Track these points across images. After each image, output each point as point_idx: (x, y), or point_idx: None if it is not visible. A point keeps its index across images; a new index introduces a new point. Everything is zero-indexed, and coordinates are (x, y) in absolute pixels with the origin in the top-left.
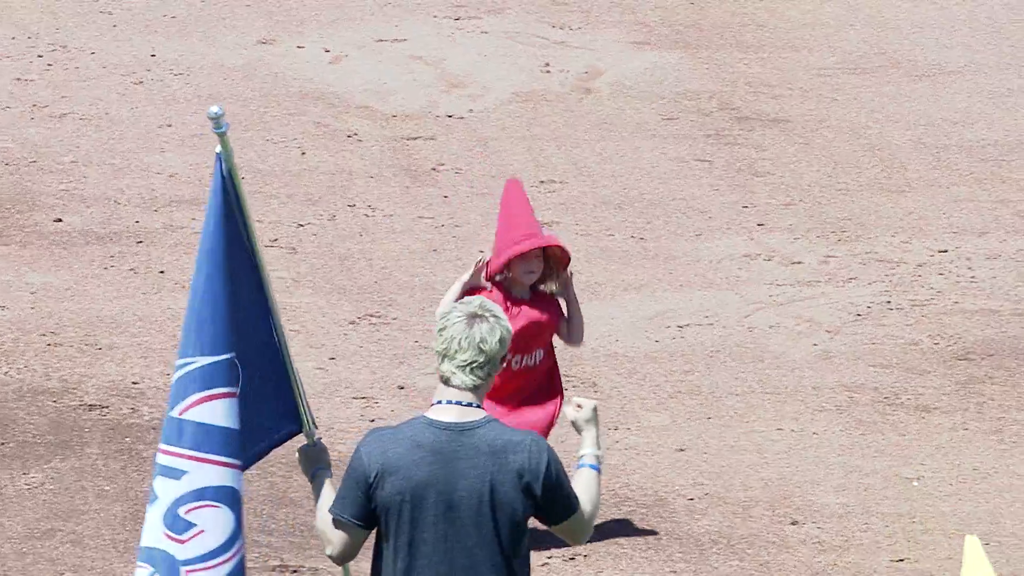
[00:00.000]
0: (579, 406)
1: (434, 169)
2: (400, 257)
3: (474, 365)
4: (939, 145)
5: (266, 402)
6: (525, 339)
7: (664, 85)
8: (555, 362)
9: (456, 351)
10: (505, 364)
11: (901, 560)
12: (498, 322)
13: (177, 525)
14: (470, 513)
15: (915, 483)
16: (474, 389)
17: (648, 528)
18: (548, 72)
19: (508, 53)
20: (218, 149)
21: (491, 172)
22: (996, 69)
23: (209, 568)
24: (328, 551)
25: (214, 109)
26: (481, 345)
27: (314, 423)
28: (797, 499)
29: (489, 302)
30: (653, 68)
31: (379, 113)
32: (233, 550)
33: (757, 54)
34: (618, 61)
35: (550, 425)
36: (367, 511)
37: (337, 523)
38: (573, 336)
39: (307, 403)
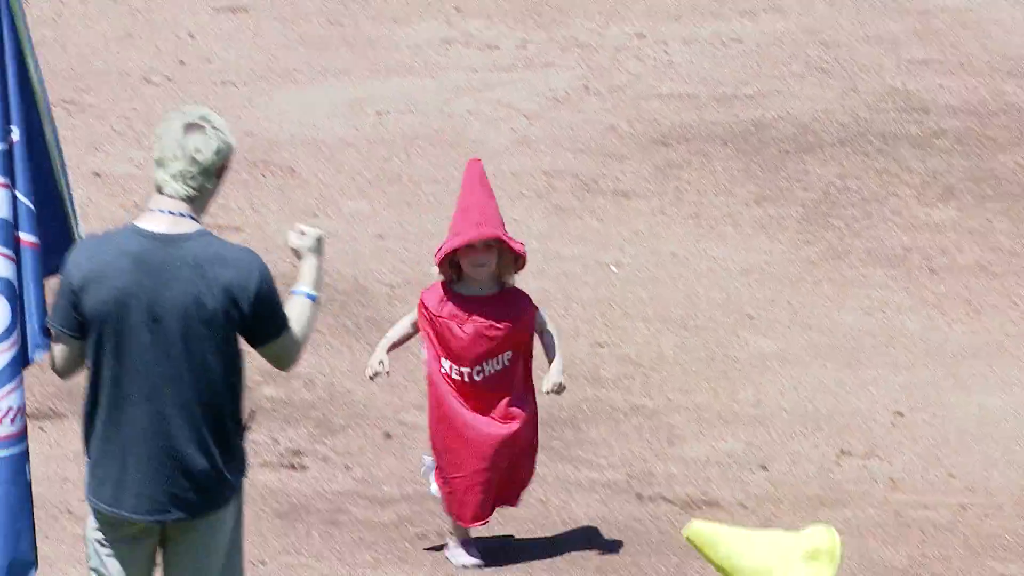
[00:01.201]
0: (302, 232)
1: None
2: (95, 43)
3: (187, 175)
4: None
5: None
6: (485, 342)
7: None
8: (530, 368)
9: (170, 160)
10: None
11: (601, 345)
12: (217, 133)
13: None
14: (175, 324)
15: (614, 268)
16: (188, 200)
17: (347, 314)
18: None
19: None
20: None
21: None
22: None
23: None
24: (52, 366)
25: None
26: (195, 155)
27: (80, 231)
28: None
29: (213, 114)
30: None
31: None
32: (10, 340)
33: None
34: None
35: (533, 433)
36: (76, 321)
37: (54, 335)
38: (549, 353)
39: (75, 209)
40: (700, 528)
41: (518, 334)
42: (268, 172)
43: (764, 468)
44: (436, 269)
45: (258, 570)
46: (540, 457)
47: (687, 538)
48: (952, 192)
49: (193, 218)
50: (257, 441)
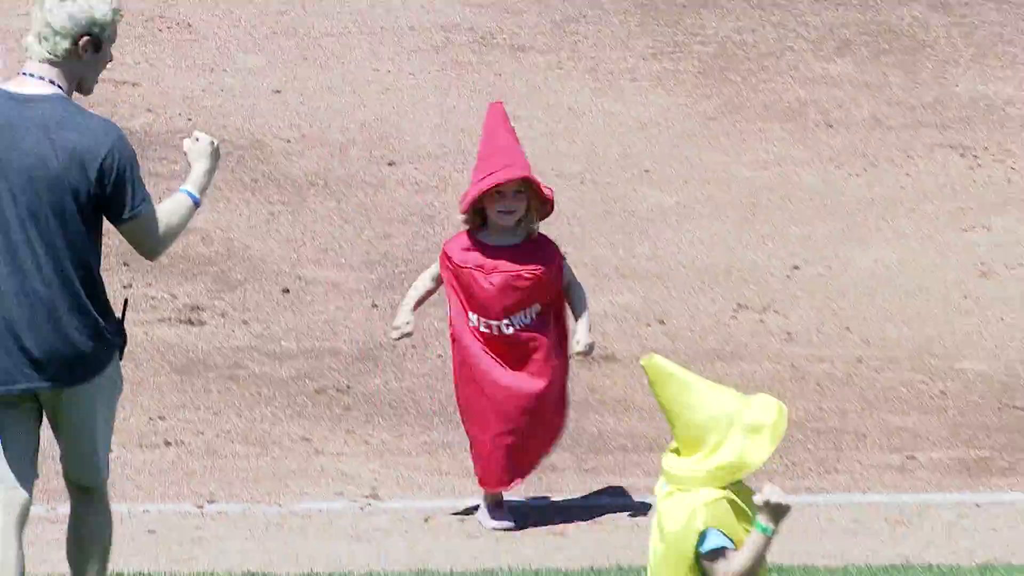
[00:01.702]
0: (197, 139)
1: None
2: None
3: (42, 35)
4: None
5: None
6: (513, 293)
7: None
8: (564, 329)
9: (33, 23)
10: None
11: None
12: (81, 2)
13: None
14: (23, 185)
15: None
16: (51, 64)
17: (244, 169)
18: None
19: None
20: None
21: None
22: None
23: None
24: None
25: None
26: (48, 16)
27: None
28: (394, 140)
29: None
30: None
31: None
32: None
33: None
34: None
35: (562, 389)
36: None
37: None
38: (577, 309)
39: None
40: (658, 363)
41: (547, 284)
42: (164, 27)
43: (661, 322)
44: (462, 217)
45: (156, 425)
46: (438, 312)
47: (643, 365)
48: (848, 46)
49: (54, 83)
50: (155, 296)
